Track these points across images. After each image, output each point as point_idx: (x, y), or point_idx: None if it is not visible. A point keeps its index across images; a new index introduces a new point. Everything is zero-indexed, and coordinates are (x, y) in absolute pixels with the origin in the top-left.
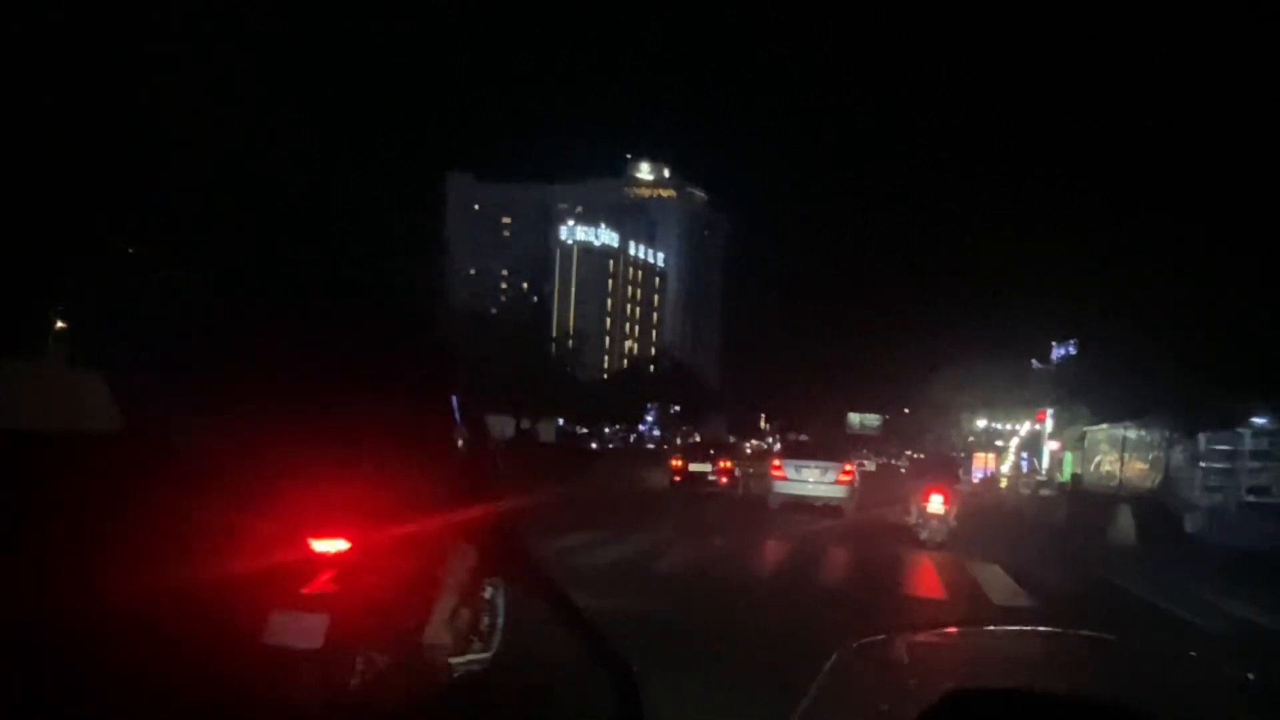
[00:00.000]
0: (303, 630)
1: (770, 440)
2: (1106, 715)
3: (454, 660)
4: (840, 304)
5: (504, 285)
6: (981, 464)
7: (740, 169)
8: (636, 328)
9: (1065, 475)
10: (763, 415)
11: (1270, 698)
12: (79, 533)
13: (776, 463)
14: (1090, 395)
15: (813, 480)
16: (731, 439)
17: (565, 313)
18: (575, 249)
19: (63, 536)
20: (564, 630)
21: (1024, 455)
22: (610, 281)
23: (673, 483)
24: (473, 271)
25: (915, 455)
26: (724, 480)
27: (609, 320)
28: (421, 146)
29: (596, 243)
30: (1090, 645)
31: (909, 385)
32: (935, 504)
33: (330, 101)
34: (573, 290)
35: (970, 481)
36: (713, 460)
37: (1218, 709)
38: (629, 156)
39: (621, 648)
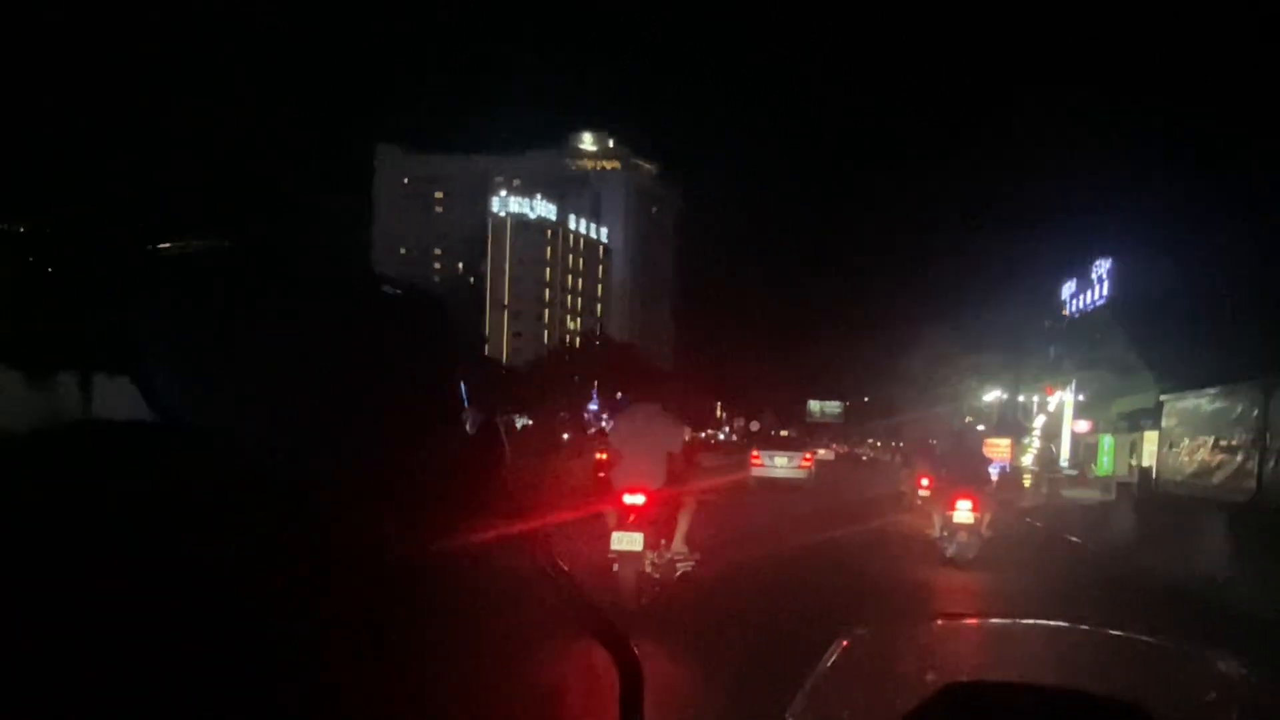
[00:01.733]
0: (630, 541)
1: (727, 430)
2: (1108, 709)
3: (680, 563)
4: (801, 287)
5: (437, 265)
6: (997, 454)
7: (693, 142)
8: (579, 301)
9: (1102, 468)
10: (719, 404)
11: (1268, 693)
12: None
13: (755, 453)
14: (1160, 348)
15: (782, 466)
16: (686, 430)
17: (499, 290)
18: (509, 221)
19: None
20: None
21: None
22: (549, 256)
23: (598, 480)
24: (403, 250)
25: (875, 443)
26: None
27: (548, 297)
28: (346, 116)
29: (532, 215)
30: (1095, 639)
31: (874, 370)
32: (963, 511)
33: (245, 64)
34: (507, 266)
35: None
36: None
37: (1215, 704)
38: (573, 131)
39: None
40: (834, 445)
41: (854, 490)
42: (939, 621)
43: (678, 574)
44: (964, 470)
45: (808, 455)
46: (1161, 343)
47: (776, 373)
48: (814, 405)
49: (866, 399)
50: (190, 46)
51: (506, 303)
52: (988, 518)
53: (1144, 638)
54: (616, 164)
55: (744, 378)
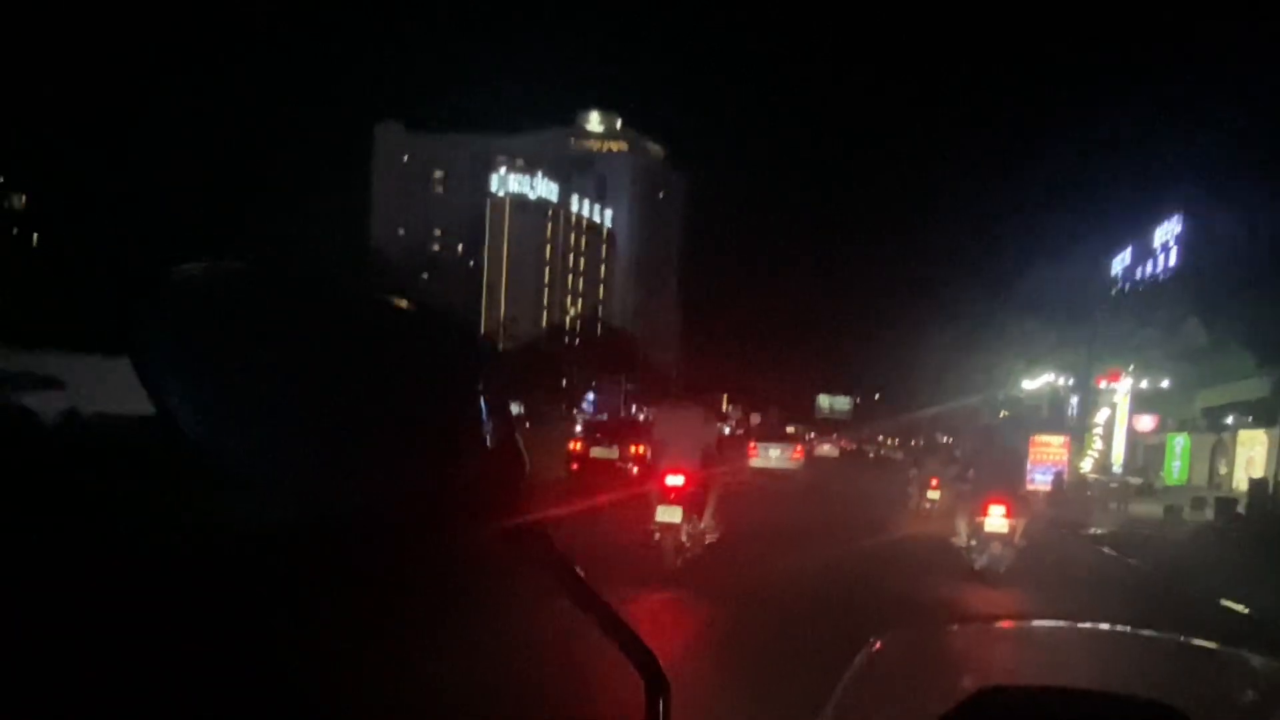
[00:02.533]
0: (671, 514)
1: (732, 424)
2: (1144, 711)
3: (709, 534)
4: (812, 279)
5: (436, 246)
6: (1048, 456)
7: (702, 126)
8: (581, 282)
9: (1171, 475)
10: (725, 396)
11: None
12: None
13: (753, 445)
14: (1267, 325)
15: (775, 457)
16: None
17: (496, 272)
18: (507, 201)
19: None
20: (592, 627)
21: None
22: (549, 236)
23: (570, 470)
24: (401, 231)
25: (887, 440)
26: (635, 469)
27: (548, 280)
28: (345, 92)
29: (532, 195)
30: (1128, 641)
31: (887, 366)
32: (995, 519)
33: (239, 36)
34: (505, 247)
35: (1031, 485)
36: (620, 444)
37: (1252, 705)
38: (578, 106)
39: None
40: (842, 441)
41: (852, 493)
42: (970, 625)
43: (706, 542)
44: (996, 471)
45: (799, 448)
46: (1267, 319)
47: (785, 367)
48: (823, 400)
49: (878, 396)
50: (180, 19)
51: (504, 285)
52: (1022, 525)
53: (1178, 638)
54: (624, 145)
55: (751, 371)
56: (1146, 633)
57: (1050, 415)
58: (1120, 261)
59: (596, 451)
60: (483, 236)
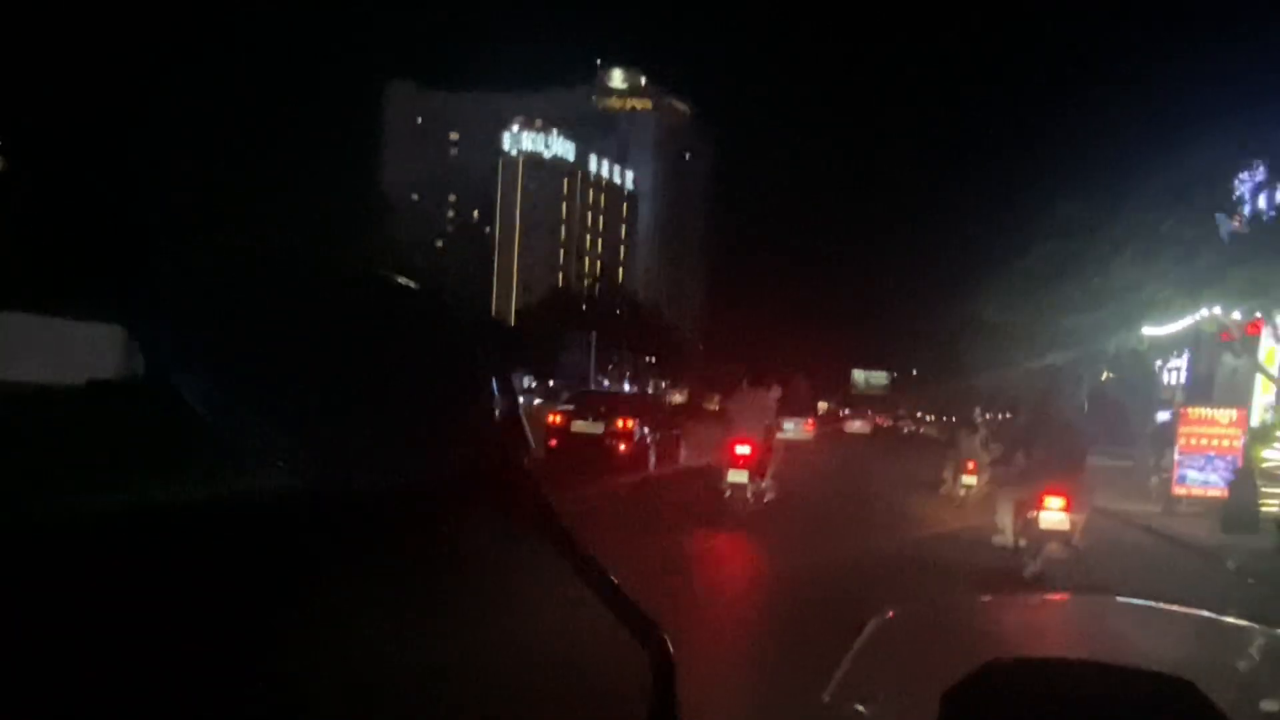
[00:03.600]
0: (740, 476)
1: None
2: (1152, 683)
3: (768, 493)
4: (848, 244)
5: (450, 212)
6: (1212, 441)
7: (730, 84)
8: (600, 245)
9: None
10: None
11: None
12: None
13: None
14: None
15: (790, 429)
16: (678, 397)
17: (509, 236)
18: (521, 160)
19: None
20: (592, 597)
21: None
22: (565, 202)
23: (549, 447)
24: (415, 197)
25: (926, 416)
26: (623, 446)
27: (564, 241)
28: (355, 49)
29: (547, 154)
30: (1137, 613)
31: (928, 336)
32: (1053, 513)
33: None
34: (518, 210)
35: (1182, 488)
36: (605, 418)
37: (1259, 674)
38: (599, 62)
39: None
40: (878, 418)
41: (877, 476)
42: (981, 598)
43: (766, 499)
44: (1055, 453)
45: (811, 420)
46: None
47: (818, 339)
48: (858, 375)
49: (915, 371)
50: None
51: (516, 248)
52: (1082, 521)
53: (1185, 610)
54: (648, 103)
55: (781, 343)
56: (1157, 606)
57: (1149, 387)
58: (1244, 182)
59: (579, 426)
60: (497, 199)
